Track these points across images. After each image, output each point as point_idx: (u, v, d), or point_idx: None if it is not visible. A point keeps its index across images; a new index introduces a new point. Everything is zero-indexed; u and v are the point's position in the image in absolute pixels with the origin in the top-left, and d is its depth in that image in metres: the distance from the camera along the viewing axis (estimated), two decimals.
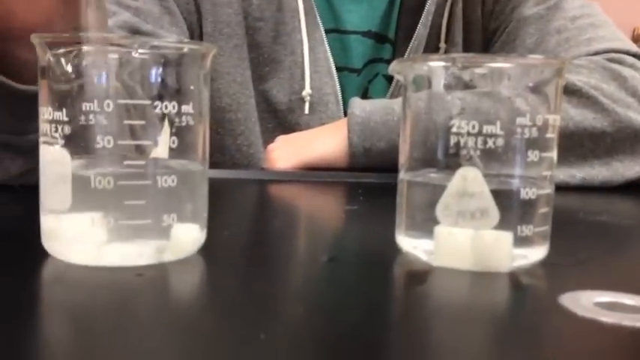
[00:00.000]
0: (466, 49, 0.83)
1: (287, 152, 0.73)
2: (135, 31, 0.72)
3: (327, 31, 0.82)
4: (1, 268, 0.31)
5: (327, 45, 0.82)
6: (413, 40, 0.82)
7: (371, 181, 0.65)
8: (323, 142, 0.73)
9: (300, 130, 0.80)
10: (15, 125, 0.46)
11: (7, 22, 0.41)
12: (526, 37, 0.77)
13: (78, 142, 0.30)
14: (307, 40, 0.80)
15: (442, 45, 0.83)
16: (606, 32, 0.74)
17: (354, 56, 0.84)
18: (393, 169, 0.36)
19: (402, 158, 0.35)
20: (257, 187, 0.63)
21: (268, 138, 0.79)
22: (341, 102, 0.82)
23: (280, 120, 0.82)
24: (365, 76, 0.85)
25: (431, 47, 0.83)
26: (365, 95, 0.85)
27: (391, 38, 0.85)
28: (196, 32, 0.79)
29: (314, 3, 0.80)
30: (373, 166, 0.69)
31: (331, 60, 0.82)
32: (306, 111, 0.81)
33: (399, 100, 0.72)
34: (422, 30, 0.82)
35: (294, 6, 0.79)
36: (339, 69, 0.83)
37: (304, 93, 0.80)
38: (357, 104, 0.71)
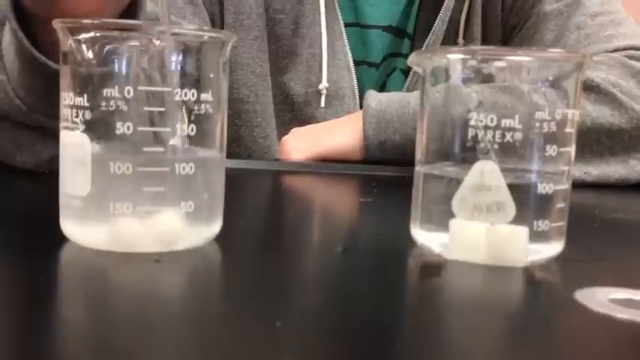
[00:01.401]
0: (484, 44, 0.83)
1: (302, 144, 0.73)
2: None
3: (347, 25, 0.82)
4: (21, 252, 0.31)
5: (345, 39, 0.81)
6: (430, 34, 0.82)
7: (385, 174, 0.65)
8: (338, 135, 0.72)
9: (316, 123, 0.80)
10: (52, 108, 0.47)
11: (64, 10, 0.41)
12: (545, 33, 0.77)
13: (98, 127, 0.30)
14: (326, 33, 0.80)
15: (460, 40, 0.82)
16: (627, 29, 0.74)
17: (374, 50, 0.84)
18: (408, 162, 0.36)
19: (419, 151, 0.35)
20: (272, 178, 0.63)
21: (284, 130, 0.79)
22: (358, 96, 0.82)
23: (296, 112, 0.82)
24: (383, 71, 0.85)
25: (449, 42, 0.82)
26: (382, 89, 0.84)
27: (410, 33, 0.84)
28: (218, 23, 0.79)
29: None
30: (388, 160, 0.69)
31: (349, 54, 0.82)
32: (322, 104, 0.81)
33: (415, 93, 0.72)
34: (440, 25, 0.81)
35: None
36: (358, 63, 0.83)
37: (321, 86, 0.80)
38: (373, 97, 0.71)
